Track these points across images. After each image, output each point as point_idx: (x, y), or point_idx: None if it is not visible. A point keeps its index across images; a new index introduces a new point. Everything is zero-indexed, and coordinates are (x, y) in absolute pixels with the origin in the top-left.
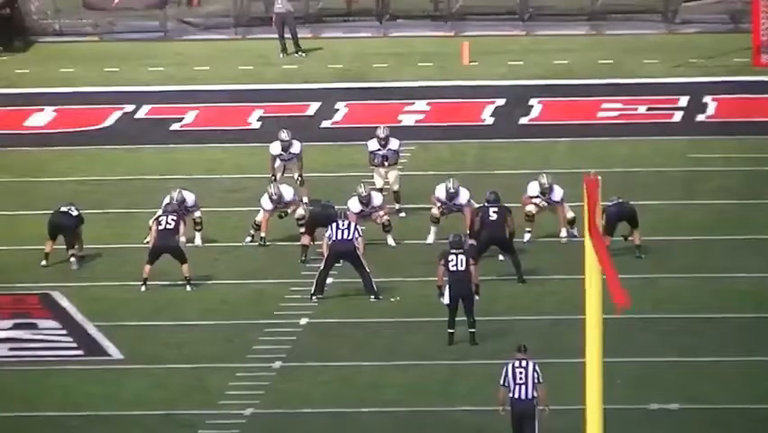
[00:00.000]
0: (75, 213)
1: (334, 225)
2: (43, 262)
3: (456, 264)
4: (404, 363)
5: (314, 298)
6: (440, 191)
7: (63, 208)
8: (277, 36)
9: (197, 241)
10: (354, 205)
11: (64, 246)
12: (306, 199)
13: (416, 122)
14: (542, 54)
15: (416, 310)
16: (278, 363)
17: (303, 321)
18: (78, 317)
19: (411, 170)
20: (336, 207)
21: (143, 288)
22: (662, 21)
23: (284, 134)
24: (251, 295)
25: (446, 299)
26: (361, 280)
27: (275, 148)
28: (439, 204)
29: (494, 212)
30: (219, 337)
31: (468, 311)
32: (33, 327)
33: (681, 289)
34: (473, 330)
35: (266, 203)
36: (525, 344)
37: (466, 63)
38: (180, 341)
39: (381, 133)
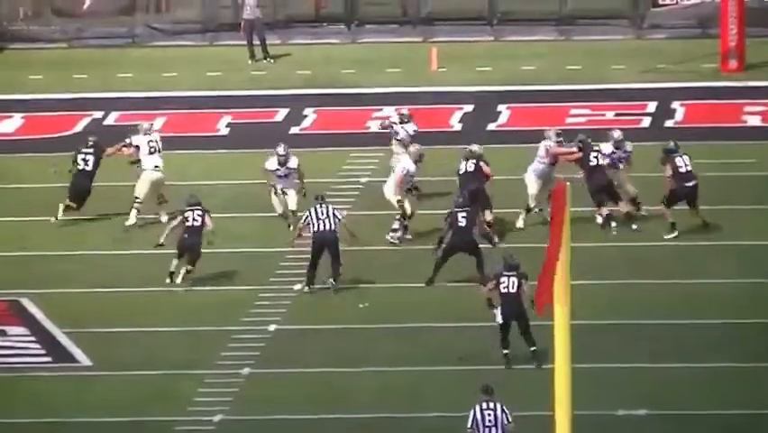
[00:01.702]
0: (89, 167)
1: (314, 213)
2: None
3: (508, 286)
4: (373, 369)
5: (307, 288)
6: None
7: (80, 161)
8: (245, 42)
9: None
10: (271, 164)
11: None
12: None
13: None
14: (510, 60)
15: (385, 316)
16: (246, 370)
17: (272, 327)
18: (47, 323)
19: (380, 176)
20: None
21: (168, 280)
22: (631, 26)
23: (281, 149)
24: (219, 301)
25: (499, 318)
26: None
27: (271, 163)
28: None
29: (463, 217)
30: (188, 344)
31: (524, 332)
32: (2, 333)
33: (654, 294)
34: (534, 348)
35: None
36: (491, 385)
37: (435, 69)
38: (149, 347)
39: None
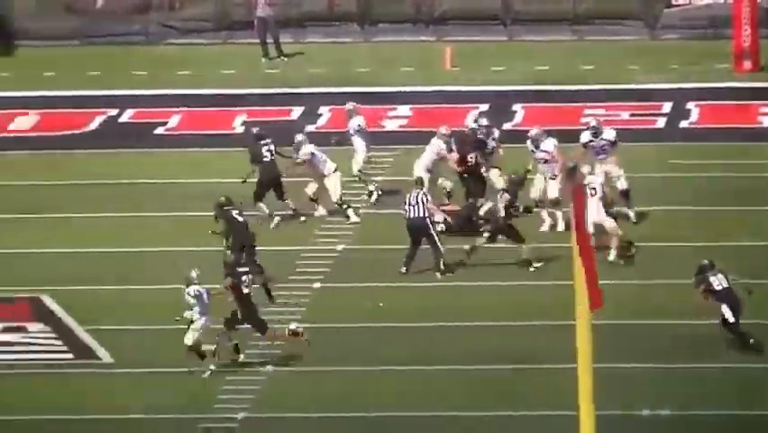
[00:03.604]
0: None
1: (407, 199)
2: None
3: (721, 283)
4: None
5: (404, 269)
6: None
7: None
8: (258, 40)
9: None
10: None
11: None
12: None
13: (399, 126)
14: (524, 59)
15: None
16: (269, 367)
17: (291, 325)
18: (68, 320)
19: (394, 175)
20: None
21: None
22: (645, 27)
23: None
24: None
25: (729, 315)
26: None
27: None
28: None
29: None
30: (212, 340)
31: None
32: (23, 330)
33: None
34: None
35: None
36: None
37: (448, 68)
38: (171, 345)
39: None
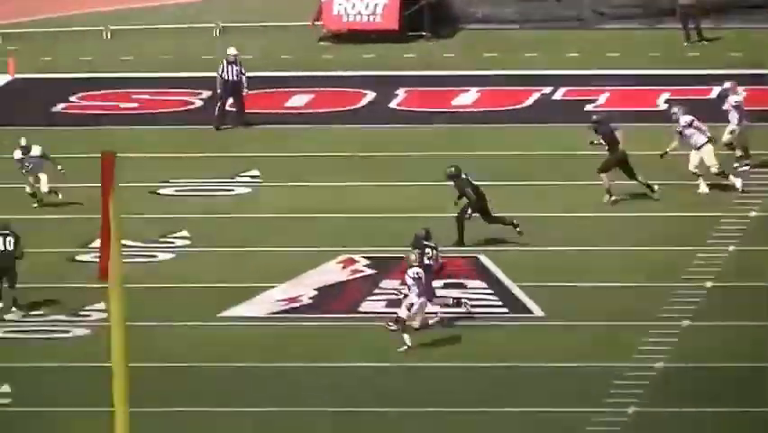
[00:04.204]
0: None
1: None
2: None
3: None
4: None
5: None
6: None
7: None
8: (681, 26)
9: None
10: None
11: None
12: None
13: None
14: None
15: None
16: (686, 322)
17: (708, 284)
18: (503, 278)
19: None
20: None
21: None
22: None
23: None
24: (657, 260)
25: None
26: None
27: None
28: None
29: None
30: (629, 297)
31: None
32: (462, 286)
33: None
34: None
35: None
36: None
37: None
38: (595, 299)
39: None
